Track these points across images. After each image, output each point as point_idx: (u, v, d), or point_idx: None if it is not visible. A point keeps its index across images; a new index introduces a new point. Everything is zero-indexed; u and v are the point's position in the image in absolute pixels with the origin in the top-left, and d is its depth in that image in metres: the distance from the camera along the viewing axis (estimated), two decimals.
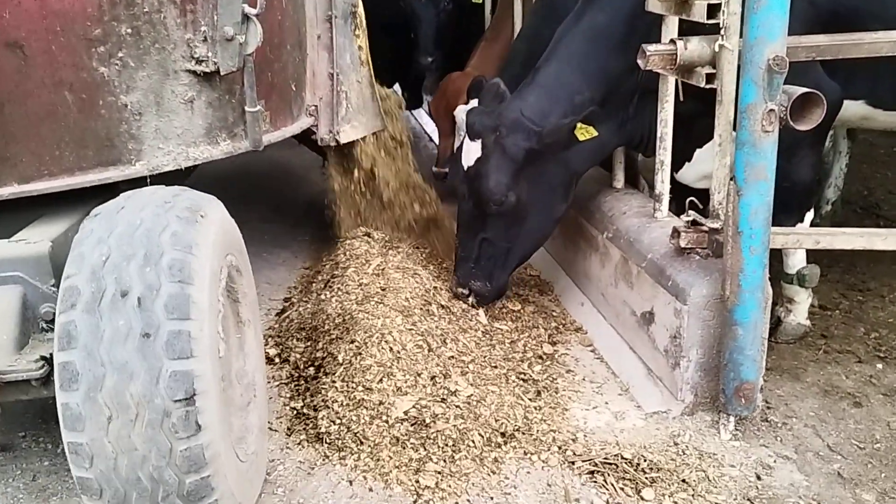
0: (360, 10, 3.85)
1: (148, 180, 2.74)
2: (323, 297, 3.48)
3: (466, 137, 3.48)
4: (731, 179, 2.71)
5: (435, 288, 3.47)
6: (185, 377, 1.98)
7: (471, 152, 3.45)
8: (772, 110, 2.57)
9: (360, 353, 2.92)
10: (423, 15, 5.87)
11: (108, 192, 2.54)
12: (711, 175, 3.15)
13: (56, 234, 2.44)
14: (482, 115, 3.44)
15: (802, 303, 3.66)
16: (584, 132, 3.23)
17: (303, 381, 3.11)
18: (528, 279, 4.21)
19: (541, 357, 3.39)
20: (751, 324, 2.77)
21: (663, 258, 3.13)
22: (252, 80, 2.88)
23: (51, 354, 2.11)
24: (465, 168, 3.48)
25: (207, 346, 2.06)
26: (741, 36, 2.68)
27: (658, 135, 3.27)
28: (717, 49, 2.76)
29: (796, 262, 3.59)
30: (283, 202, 5.60)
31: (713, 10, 2.76)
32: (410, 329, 3.07)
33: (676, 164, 3.46)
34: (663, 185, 3.36)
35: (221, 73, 2.80)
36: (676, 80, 3.10)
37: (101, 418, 1.97)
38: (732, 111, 2.83)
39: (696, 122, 3.33)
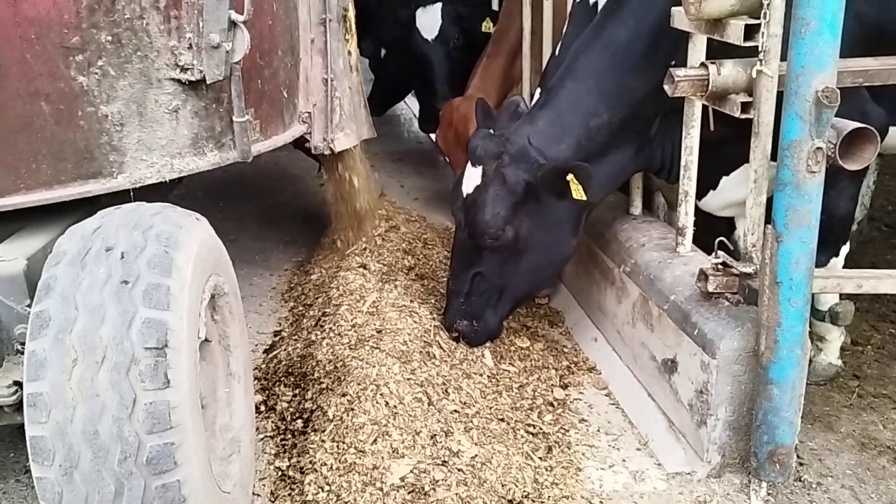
0: (351, 13, 3.67)
1: (131, 194, 2.60)
2: (314, 337, 3.18)
3: (469, 163, 3.19)
4: (768, 223, 2.41)
5: (435, 327, 3.18)
6: (159, 326, 1.91)
7: (471, 179, 3.16)
8: (819, 148, 2.27)
9: (353, 409, 2.63)
10: (434, 58, 5.41)
11: (88, 206, 2.45)
12: (737, 204, 2.85)
13: (32, 252, 2.29)
14: (486, 139, 3.14)
15: (834, 341, 3.39)
16: (577, 190, 2.93)
17: (289, 436, 2.82)
18: (537, 309, 3.92)
19: (551, 404, 3.10)
20: (788, 383, 2.49)
21: (688, 302, 2.83)
22: (240, 89, 2.71)
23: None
24: (465, 195, 3.19)
25: (186, 307, 2.00)
26: (782, 59, 2.39)
27: (682, 163, 2.97)
28: (754, 75, 2.46)
29: (828, 297, 3.31)
30: (276, 216, 5.28)
31: (750, 32, 2.44)
32: (409, 378, 2.78)
33: (700, 192, 3.16)
34: (687, 218, 3.06)
35: (207, 82, 2.63)
36: (705, 106, 2.80)
37: (67, 361, 1.87)
38: (770, 144, 2.53)
39: (723, 148, 3.03)
